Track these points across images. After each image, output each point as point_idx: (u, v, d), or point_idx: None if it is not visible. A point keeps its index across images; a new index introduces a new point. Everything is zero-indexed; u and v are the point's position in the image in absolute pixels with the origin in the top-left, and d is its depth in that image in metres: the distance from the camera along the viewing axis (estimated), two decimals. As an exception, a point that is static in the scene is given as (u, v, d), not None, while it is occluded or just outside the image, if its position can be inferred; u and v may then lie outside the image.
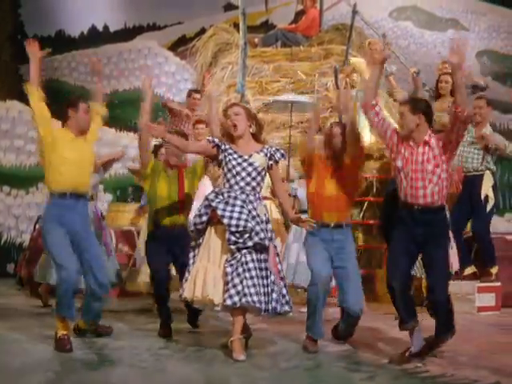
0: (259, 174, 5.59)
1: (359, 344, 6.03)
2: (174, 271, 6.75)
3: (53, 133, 5.90)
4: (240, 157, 5.58)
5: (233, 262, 5.37)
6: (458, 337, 5.58)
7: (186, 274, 5.57)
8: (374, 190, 9.61)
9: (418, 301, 6.44)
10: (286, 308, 5.52)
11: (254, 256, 5.40)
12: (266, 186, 7.25)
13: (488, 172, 8.34)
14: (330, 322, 6.18)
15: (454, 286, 6.48)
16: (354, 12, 11.88)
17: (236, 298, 5.26)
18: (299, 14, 12.53)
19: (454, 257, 6.65)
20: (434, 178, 5.31)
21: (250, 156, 5.59)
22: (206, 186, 7.15)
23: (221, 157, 5.63)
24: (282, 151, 5.73)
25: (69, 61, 17.22)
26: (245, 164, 5.56)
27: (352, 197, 6.01)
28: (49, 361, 5.30)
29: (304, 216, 5.87)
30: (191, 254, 5.64)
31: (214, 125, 6.23)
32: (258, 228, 5.40)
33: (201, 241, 5.58)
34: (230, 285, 5.30)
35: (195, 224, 5.56)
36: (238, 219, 5.35)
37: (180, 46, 16.94)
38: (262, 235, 5.39)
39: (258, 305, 5.29)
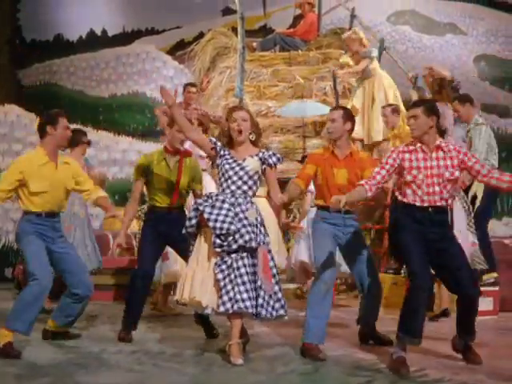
0: (251, 177, 5.60)
1: (357, 348, 6.04)
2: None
3: (18, 176, 5.78)
4: (234, 161, 5.62)
5: (223, 267, 5.38)
6: (456, 341, 5.58)
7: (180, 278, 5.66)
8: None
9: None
10: (281, 312, 5.51)
11: (246, 261, 5.40)
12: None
13: None
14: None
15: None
16: (353, 16, 11.93)
17: (228, 305, 5.28)
18: (297, 19, 12.58)
19: None
20: (449, 184, 5.37)
21: (244, 160, 5.62)
22: (206, 182, 7.18)
23: (218, 161, 5.67)
24: (279, 156, 5.74)
25: (67, 65, 17.23)
26: (237, 168, 5.59)
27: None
28: (46, 365, 5.29)
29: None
30: (190, 258, 5.69)
31: (188, 130, 5.99)
32: (243, 230, 5.39)
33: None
34: (223, 291, 5.32)
35: (186, 228, 5.61)
36: (223, 222, 5.37)
37: (178, 50, 16.94)
38: (246, 237, 5.38)
39: (250, 310, 5.30)
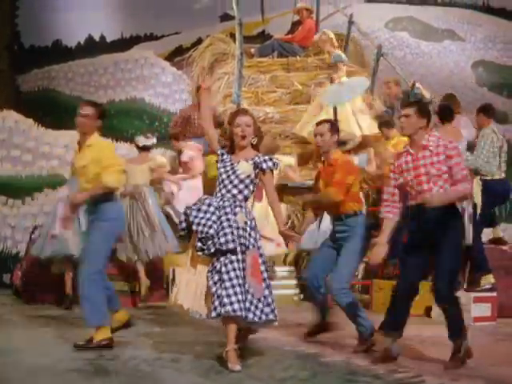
0: (241, 181, 5.59)
1: (355, 353, 6.03)
2: None
3: None
4: (231, 165, 5.64)
5: (213, 272, 5.41)
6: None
7: None
8: (370, 199, 9.62)
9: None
10: (271, 317, 5.48)
11: (236, 265, 5.39)
12: None
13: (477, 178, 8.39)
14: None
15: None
16: (350, 22, 11.95)
17: (218, 309, 5.29)
18: (295, 25, 12.59)
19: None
20: (439, 181, 5.50)
21: (238, 163, 5.63)
22: None
23: (218, 165, 5.73)
24: (275, 161, 5.72)
25: (65, 71, 17.20)
26: (230, 172, 5.62)
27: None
28: (44, 372, 5.27)
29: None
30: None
31: (208, 122, 6.08)
32: (221, 233, 5.39)
33: None
34: (215, 296, 5.33)
35: (177, 232, 5.69)
36: (204, 225, 5.41)
37: (177, 56, 16.96)
38: (222, 240, 5.37)
39: (238, 313, 5.29)
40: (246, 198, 5.64)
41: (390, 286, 8.14)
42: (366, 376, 5.22)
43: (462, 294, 8.02)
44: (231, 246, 5.38)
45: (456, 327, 5.60)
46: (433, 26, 17.91)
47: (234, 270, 5.38)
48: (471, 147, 8.65)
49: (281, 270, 9.35)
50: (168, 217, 9.30)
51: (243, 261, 5.42)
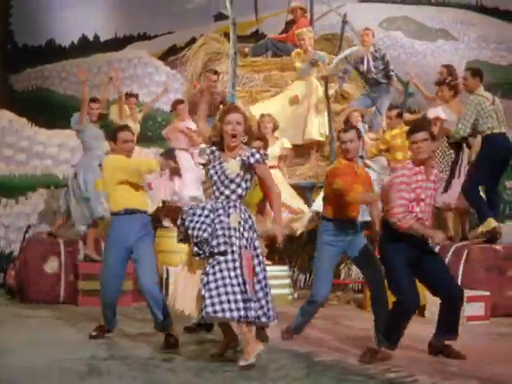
0: (232, 181, 5.57)
1: (349, 353, 6.03)
2: None
3: None
4: (219, 164, 5.60)
5: (203, 274, 5.41)
6: (448, 346, 5.59)
7: None
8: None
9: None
10: (263, 319, 5.46)
11: (231, 265, 5.38)
12: (272, 156, 8.53)
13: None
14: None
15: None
16: (344, 22, 11.93)
17: (209, 309, 5.27)
18: (289, 24, 12.57)
19: None
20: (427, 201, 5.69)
21: (226, 161, 5.59)
22: None
23: (208, 167, 5.71)
24: (261, 153, 5.65)
25: (59, 70, 17.19)
26: (220, 172, 5.59)
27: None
28: (37, 371, 5.27)
29: None
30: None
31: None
32: (214, 235, 5.40)
33: None
34: (206, 296, 5.30)
35: (177, 236, 5.66)
36: (198, 229, 5.42)
37: (170, 55, 16.92)
38: (213, 243, 5.38)
39: (227, 314, 5.26)
40: (240, 197, 5.61)
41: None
42: (359, 375, 5.23)
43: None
44: (222, 248, 5.38)
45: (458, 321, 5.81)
46: (427, 26, 17.90)
47: (221, 271, 5.36)
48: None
49: (274, 270, 9.32)
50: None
51: (233, 261, 5.40)
